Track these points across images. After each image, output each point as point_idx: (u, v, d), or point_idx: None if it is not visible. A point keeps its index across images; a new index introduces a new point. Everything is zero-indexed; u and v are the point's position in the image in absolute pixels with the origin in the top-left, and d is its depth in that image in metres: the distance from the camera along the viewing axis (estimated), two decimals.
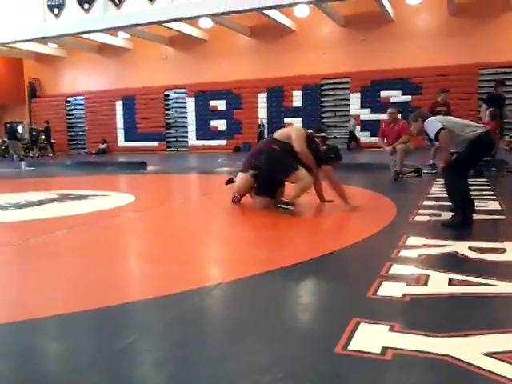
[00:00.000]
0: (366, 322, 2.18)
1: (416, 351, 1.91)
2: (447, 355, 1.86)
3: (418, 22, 19.36)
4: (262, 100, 22.05)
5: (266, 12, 17.96)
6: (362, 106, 20.24)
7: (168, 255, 3.68)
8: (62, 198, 6.98)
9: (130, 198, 7.02)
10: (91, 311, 2.48)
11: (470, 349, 1.91)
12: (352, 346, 1.95)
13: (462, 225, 4.32)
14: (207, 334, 2.22)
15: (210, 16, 17.65)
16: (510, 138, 14.68)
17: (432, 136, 4.53)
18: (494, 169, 8.90)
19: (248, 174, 5.67)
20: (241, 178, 5.76)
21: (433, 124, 4.53)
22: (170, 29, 20.46)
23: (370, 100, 19.95)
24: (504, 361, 1.81)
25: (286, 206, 5.12)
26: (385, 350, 1.91)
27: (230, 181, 6.23)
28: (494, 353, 1.87)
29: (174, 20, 17.84)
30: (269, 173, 5.46)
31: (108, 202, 6.72)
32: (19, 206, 6.30)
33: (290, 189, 5.51)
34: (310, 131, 5.86)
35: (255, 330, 2.22)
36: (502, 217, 4.81)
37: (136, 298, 2.72)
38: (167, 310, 2.53)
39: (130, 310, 2.55)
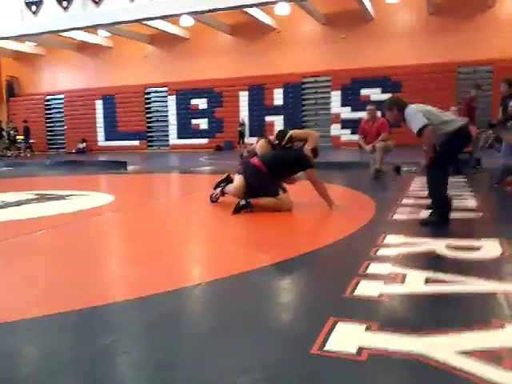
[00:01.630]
0: (342, 322, 2.19)
1: (391, 351, 1.92)
2: (422, 354, 1.87)
3: (397, 20, 19.53)
4: (244, 98, 22.03)
5: (246, 10, 17.96)
6: (343, 105, 20.34)
7: (147, 255, 3.66)
8: (40, 199, 6.89)
9: (110, 197, 6.96)
10: (68, 313, 2.46)
11: (444, 348, 1.94)
12: (328, 347, 1.96)
13: (439, 223, 4.36)
14: (185, 335, 2.21)
15: (191, 14, 17.57)
16: (487, 135, 14.89)
17: (414, 130, 4.41)
18: (471, 166, 9.00)
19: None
20: (239, 180, 5.75)
21: (417, 117, 4.39)
22: (151, 27, 20.34)
23: (351, 98, 20.06)
24: (477, 359, 1.83)
25: (242, 204, 5.18)
26: (360, 350, 1.92)
27: (218, 186, 6.11)
28: (468, 351, 1.89)
29: (155, 18, 17.75)
30: (252, 187, 5.50)
31: (87, 202, 6.65)
32: None
33: None
34: (271, 138, 6.01)
35: (233, 331, 2.22)
36: (479, 214, 4.88)
37: (115, 300, 2.70)
38: (146, 311, 2.51)
39: (109, 312, 2.53)
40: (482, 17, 18.26)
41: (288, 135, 5.87)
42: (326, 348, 1.94)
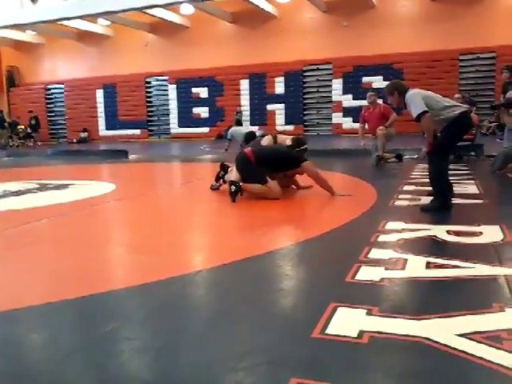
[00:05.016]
0: (343, 307, 2.20)
1: (392, 334, 1.93)
2: (423, 337, 1.89)
3: (399, 7, 19.39)
4: (245, 87, 21.95)
5: None
6: (344, 92, 20.25)
7: (149, 243, 3.67)
8: (42, 188, 6.90)
9: (111, 186, 6.97)
10: (71, 300, 2.47)
11: (445, 330, 1.95)
12: (329, 331, 1.97)
13: (440, 209, 4.36)
14: (187, 321, 2.22)
15: (192, 2, 17.46)
16: (490, 123, 14.87)
17: (413, 115, 4.39)
18: (472, 153, 9.00)
19: None
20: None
21: (416, 102, 4.37)
22: (151, 15, 20.22)
23: (352, 86, 19.97)
24: (478, 341, 1.84)
25: (234, 190, 5.20)
26: (362, 333, 1.93)
27: (219, 177, 6.06)
28: (468, 334, 1.90)
29: (155, 6, 17.62)
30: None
31: (88, 191, 6.66)
32: None
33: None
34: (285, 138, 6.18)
35: (234, 317, 2.23)
36: (480, 201, 4.88)
37: (117, 287, 2.71)
38: (147, 297, 2.53)
39: (111, 299, 2.54)
40: (483, 3, 18.11)
41: (305, 146, 5.90)
42: (326, 332, 1.96)
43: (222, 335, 2.03)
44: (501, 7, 17.96)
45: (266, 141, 6.48)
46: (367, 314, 2.13)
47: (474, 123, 8.62)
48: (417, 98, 4.40)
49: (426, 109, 4.31)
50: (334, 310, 2.15)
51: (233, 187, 5.21)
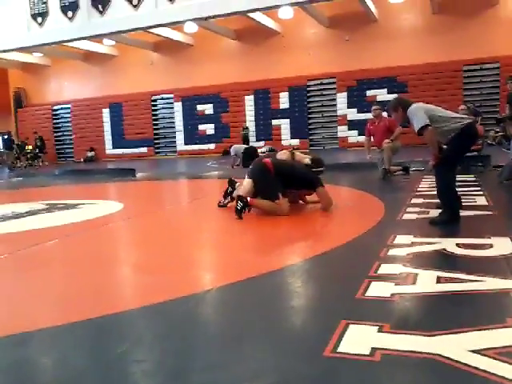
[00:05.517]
0: (355, 324, 2.19)
1: (404, 351, 1.92)
2: (435, 354, 1.87)
3: (401, 20, 19.50)
4: (249, 103, 22.07)
5: (250, 15, 18.02)
6: (349, 106, 20.32)
7: (158, 263, 3.67)
8: (50, 208, 6.94)
9: (119, 205, 6.99)
10: (81, 322, 2.47)
11: (457, 346, 1.93)
12: (341, 349, 1.95)
13: (449, 222, 4.34)
14: (197, 341, 2.21)
15: (195, 20, 17.66)
16: (496, 133, 14.83)
17: (415, 129, 4.37)
18: (480, 164, 8.97)
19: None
20: (248, 184, 5.63)
21: (418, 116, 4.35)
22: (156, 34, 20.45)
23: (357, 100, 20.04)
24: (491, 357, 1.82)
25: (241, 207, 5.16)
26: (374, 350, 1.92)
27: (227, 194, 6.02)
28: (482, 350, 1.88)
29: (159, 26, 17.84)
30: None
31: (97, 211, 6.69)
32: (6, 218, 6.25)
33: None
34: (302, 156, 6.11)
35: (245, 336, 2.22)
36: (489, 212, 4.85)
37: (127, 308, 2.71)
38: (158, 318, 2.52)
39: (121, 320, 2.54)
40: (486, 14, 18.18)
41: (323, 168, 5.93)
42: (339, 350, 1.94)
43: (234, 356, 2.02)
44: (503, 17, 18.02)
45: (284, 155, 6.31)
46: (379, 330, 2.12)
47: (480, 134, 8.58)
48: (419, 112, 4.39)
49: (428, 122, 4.29)
50: (346, 328, 2.14)
51: (239, 204, 5.16)
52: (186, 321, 2.47)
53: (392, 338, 2.04)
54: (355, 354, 1.90)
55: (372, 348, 1.94)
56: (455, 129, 4.35)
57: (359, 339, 2.04)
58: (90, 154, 24.53)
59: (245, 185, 5.60)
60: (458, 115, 4.67)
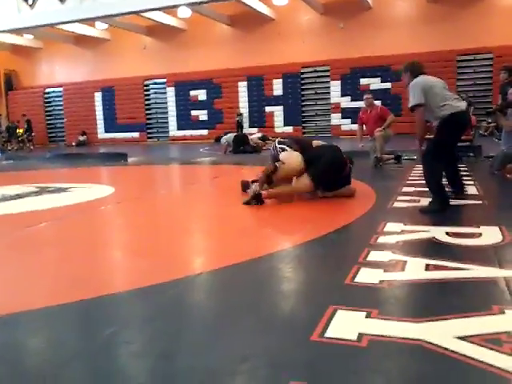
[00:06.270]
0: (343, 309, 2.20)
1: (391, 337, 1.93)
2: (421, 340, 1.88)
3: (396, 9, 19.42)
4: (243, 89, 21.96)
5: (244, 0, 17.86)
6: (343, 94, 20.26)
7: (148, 247, 3.67)
8: (41, 191, 6.90)
9: (111, 189, 6.97)
10: (71, 304, 2.47)
11: (443, 333, 1.94)
12: (329, 334, 1.96)
13: (438, 211, 4.34)
14: (186, 325, 2.22)
15: (189, 5, 17.49)
16: (488, 124, 14.89)
17: (409, 104, 4.50)
18: (471, 154, 9.01)
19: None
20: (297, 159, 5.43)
21: (415, 93, 4.44)
22: (149, 19, 20.22)
23: (350, 88, 19.98)
24: (478, 344, 1.84)
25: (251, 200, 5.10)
26: (361, 336, 1.93)
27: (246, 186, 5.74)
28: (468, 336, 1.90)
29: (152, 9, 17.65)
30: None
31: (88, 194, 6.66)
32: None
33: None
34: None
35: (233, 320, 2.23)
36: (479, 202, 4.88)
37: (117, 290, 2.71)
38: (147, 301, 2.53)
39: (111, 302, 2.54)
40: (480, 4, 18.14)
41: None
42: (326, 335, 1.95)
43: (222, 339, 2.03)
44: (497, 7, 17.99)
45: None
46: (366, 316, 2.13)
47: (472, 124, 8.64)
48: (417, 89, 4.45)
49: (422, 102, 4.37)
50: (334, 313, 2.15)
51: (253, 201, 5.06)
52: (176, 304, 2.48)
53: (379, 324, 2.06)
54: (342, 339, 1.92)
55: (359, 333, 1.95)
56: (440, 117, 4.39)
57: (347, 325, 2.06)
58: (81, 138, 24.34)
59: (293, 163, 5.36)
60: (450, 102, 4.53)
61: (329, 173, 5.30)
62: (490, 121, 14.90)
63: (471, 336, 1.90)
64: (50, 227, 4.60)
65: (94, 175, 10.03)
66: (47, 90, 26.10)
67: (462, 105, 4.64)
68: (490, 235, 3.48)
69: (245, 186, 5.71)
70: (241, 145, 13.43)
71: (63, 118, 25.89)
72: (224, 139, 13.77)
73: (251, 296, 2.52)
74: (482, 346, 1.83)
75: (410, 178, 6.69)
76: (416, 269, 2.78)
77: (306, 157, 5.32)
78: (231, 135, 13.99)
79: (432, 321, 2.06)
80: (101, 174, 10.57)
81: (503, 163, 6.91)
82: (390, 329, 2.00)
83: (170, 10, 18.92)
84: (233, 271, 2.92)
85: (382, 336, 1.94)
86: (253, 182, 5.55)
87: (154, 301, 2.50)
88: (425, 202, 4.68)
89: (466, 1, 18.09)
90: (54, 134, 26.44)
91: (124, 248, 3.82)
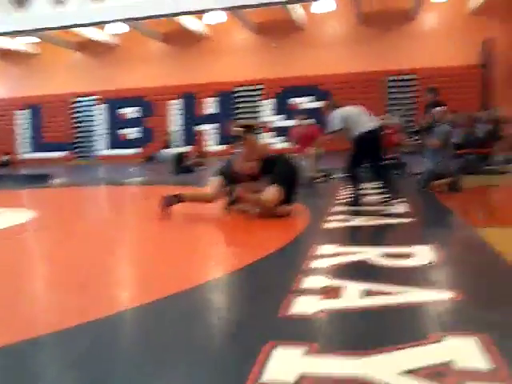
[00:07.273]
0: (279, 347, 2.03)
1: (333, 376, 1.79)
2: (365, 378, 1.76)
3: (327, 30, 19.97)
4: (175, 107, 21.70)
5: (178, 18, 17.74)
6: (275, 113, 20.47)
7: (69, 280, 3.35)
8: None
9: (31, 214, 6.49)
10: None
11: (387, 368, 1.83)
12: (265, 378, 1.79)
13: (355, 204, 5.82)
14: (112, 368, 1.98)
15: (124, 21, 17.15)
16: (414, 141, 15.43)
17: (327, 130, 6.29)
18: (396, 172, 9.18)
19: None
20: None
21: (333, 122, 6.12)
22: (79, 34, 19.63)
23: (282, 107, 20.23)
24: (421, 377, 1.74)
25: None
26: (301, 379, 1.77)
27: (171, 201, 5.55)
28: (411, 370, 1.79)
29: (84, 25, 17.18)
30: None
31: (3, 220, 6.16)
32: None
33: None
34: None
35: (158, 366, 2.00)
36: (410, 219, 4.92)
37: (35, 334, 2.37)
38: (67, 346, 2.23)
39: (29, 348, 2.22)
40: (404, 28, 19.01)
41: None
42: (262, 380, 1.78)
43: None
44: (419, 32, 18.90)
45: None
46: (305, 353, 1.97)
47: (394, 142, 9.32)
48: (336, 120, 6.07)
49: (335, 129, 6.06)
50: (270, 352, 1.97)
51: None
52: (98, 346, 2.22)
53: (319, 362, 1.90)
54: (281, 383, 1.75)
55: (298, 374, 1.79)
56: (355, 135, 5.91)
57: (285, 365, 1.88)
58: (4, 158, 23.07)
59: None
60: (364, 123, 5.96)
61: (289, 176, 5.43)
62: (416, 138, 15.46)
63: (414, 370, 1.80)
64: None
65: (12, 199, 9.40)
66: None
67: (371, 125, 6.01)
68: (422, 255, 3.47)
69: (168, 199, 5.49)
70: (180, 163, 13.17)
71: None
72: (161, 156, 13.53)
73: (177, 336, 2.28)
74: (425, 378, 1.73)
75: (340, 197, 6.72)
76: (351, 295, 2.67)
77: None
78: (171, 151, 13.74)
79: (372, 354, 1.94)
80: (21, 197, 9.93)
81: (430, 180, 7.11)
82: (331, 366, 1.86)
83: (100, 25, 18.46)
84: (157, 306, 2.67)
85: (323, 376, 1.79)
86: (176, 196, 5.46)
87: (75, 346, 2.22)
88: (357, 221, 4.67)
89: (392, 24, 18.88)
90: None
91: (43, 281, 3.49)
